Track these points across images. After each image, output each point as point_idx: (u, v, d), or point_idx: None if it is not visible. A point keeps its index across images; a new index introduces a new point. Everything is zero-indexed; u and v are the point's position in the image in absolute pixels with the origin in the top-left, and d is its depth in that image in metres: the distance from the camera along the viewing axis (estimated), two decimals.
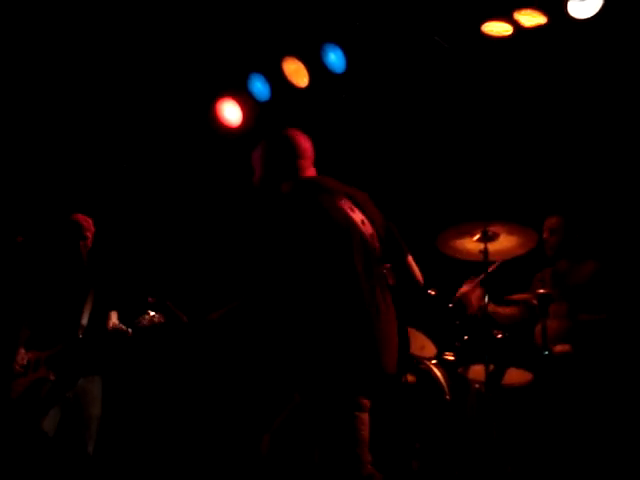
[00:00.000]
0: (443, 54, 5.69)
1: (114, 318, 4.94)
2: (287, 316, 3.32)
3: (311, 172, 3.67)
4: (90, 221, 5.02)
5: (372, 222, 3.47)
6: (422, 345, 5.17)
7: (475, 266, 4.95)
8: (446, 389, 4.95)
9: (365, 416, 3.22)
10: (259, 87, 6.26)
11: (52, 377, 4.69)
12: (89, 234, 4.99)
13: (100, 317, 4.88)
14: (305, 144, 3.72)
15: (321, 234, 3.30)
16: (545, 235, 5.29)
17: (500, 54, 5.65)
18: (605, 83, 5.60)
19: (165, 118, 6.54)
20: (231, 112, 6.42)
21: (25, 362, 4.73)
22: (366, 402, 3.24)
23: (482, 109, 5.96)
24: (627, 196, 5.69)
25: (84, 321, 4.82)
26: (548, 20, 5.31)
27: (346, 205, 3.42)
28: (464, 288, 5.10)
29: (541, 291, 4.88)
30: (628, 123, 5.61)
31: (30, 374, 4.70)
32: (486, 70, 5.83)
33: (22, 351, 4.78)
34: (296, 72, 6.09)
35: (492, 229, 4.80)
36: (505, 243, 4.93)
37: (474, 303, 5.07)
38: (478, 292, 5.07)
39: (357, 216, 3.42)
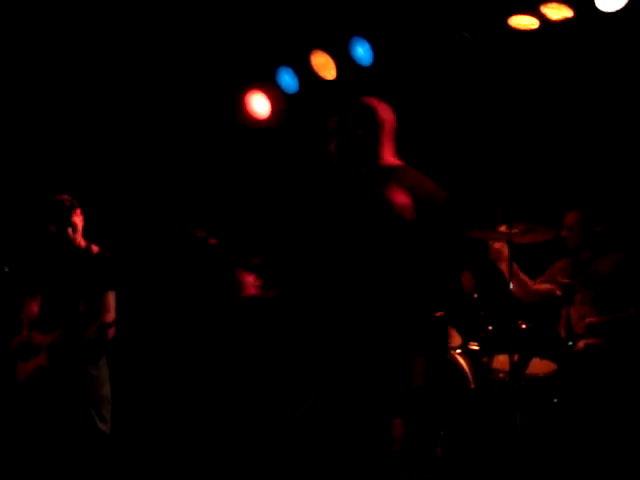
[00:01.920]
0: (470, 48, 5.69)
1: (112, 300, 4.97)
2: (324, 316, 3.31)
3: (390, 153, 3.51)
4: (74, 202, 4.97)
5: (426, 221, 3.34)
6: None
7: None
8: (470, 378, 5.00)
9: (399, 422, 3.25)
10: (287, 80, 6.33)
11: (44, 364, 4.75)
12: (74, 214, 4.94)
13: (97, 302, 4.89)
14: (388, 116, 3.53)
15: (380, 237, 3.24)
16: (563, 232, 5.30)
17: (527, 48, 5.65)
18: (633, 77, 5.59)
19: (194, 110, 6.62)
20: (260, 104, 6.49)
21: (26, 345, 4.81)
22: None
23: (509, 103, 5.97)
24: None
25: (81, 307, 4.85)
26: (575, 13, 5.30)
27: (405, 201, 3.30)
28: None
29: (565, 281, 4.91)
30: None
31: (32, 360, 4.76)
32: (513, 64, 5.83)
33: (24, 334, 4.85)
34: (324, 65, 6.14)
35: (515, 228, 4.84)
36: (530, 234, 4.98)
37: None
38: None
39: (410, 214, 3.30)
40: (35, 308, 4.92)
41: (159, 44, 6.23)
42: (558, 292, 4.95)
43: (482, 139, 6.09)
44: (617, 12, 5.18)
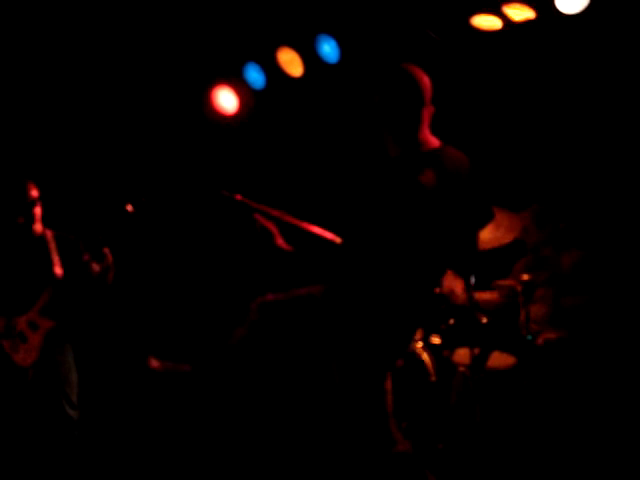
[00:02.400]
0: (434, 46, 5.74)
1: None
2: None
3: (427, 131, 3.46)
4: (36, 189, 4.99)
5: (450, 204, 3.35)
6: None
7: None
8: (432, 371, 5.06)
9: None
10: (254, 76, 6.35)
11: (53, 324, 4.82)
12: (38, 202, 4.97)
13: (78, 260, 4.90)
14: (428, 87, 3.44)
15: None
16: (522, 236, 5.40)
17: (490, 47, 5.70)
18: (593, 77, 5.68)
19: (160, 106, 6.62)
20: (227, 100, 6.51)
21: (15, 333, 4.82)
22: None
23: (472, 101, 6.03)
24: (613, 185, 5.77)
25: (58, 270, 4.89)
26: (536, 14, 5.34)
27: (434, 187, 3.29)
28: (446, 284, 5.20)
29: (525, 277, 4.99)
30: (615, 115, 5.69)
31: (31, 337, 4.79)
32: (476, 63, 5.89)
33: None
34: (291, 62, 6.16)
35: None
36: (492, 231, 5.05)
37: (459, 294, 5.18)
38: (460, 283, 5.19)
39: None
40: None
41: (126, 40, 6.23)
42: (518, 287, 5.02)
43: (445, 138, 6.14)
44: (578, 14, 5.25)
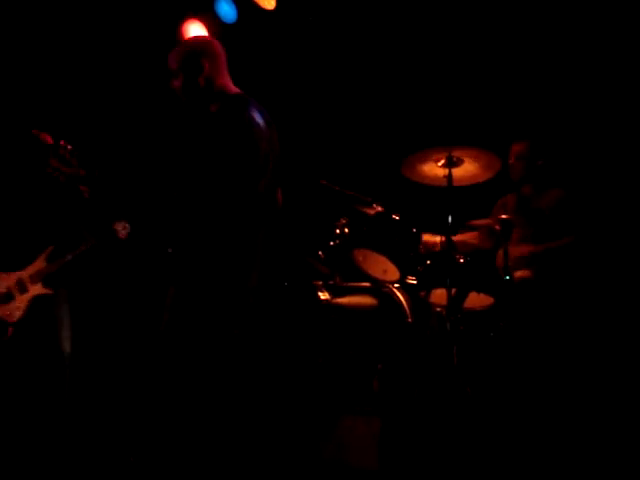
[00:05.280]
0: None
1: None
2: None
3: (231, 82, 3.71)
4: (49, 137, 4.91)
5: None
6: (385, 269, 5.18)
7: (439, 191, 4.95)
8: (408, 312, 5.01)
9: None
10: (226, 9, 6.19)
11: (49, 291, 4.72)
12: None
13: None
14: (222, 48, 3.79)
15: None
16: (511, 161, 5.30)
17: None
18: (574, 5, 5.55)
19: (130, 40, 6.44)
20: (197, 34, 6.33)
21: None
22: None
23: (443, 31, 5.89)
24: (594, 124, 5.69)
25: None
26: None
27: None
28: (427, 238, 5.14)
29: (503, 216, 4.92)
30: (604, 48, 5.56)
31: (17, 296, 4.67)
32: None
33: None
34: None
35: (456, 154, 4.82)
36: (469, 168, 4.95)
37: (439, 247, 5.13)
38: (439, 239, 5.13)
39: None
40: None
41: None
42: (497, 227, 4.95)
43: (419, 68, 6.01)
44: None
